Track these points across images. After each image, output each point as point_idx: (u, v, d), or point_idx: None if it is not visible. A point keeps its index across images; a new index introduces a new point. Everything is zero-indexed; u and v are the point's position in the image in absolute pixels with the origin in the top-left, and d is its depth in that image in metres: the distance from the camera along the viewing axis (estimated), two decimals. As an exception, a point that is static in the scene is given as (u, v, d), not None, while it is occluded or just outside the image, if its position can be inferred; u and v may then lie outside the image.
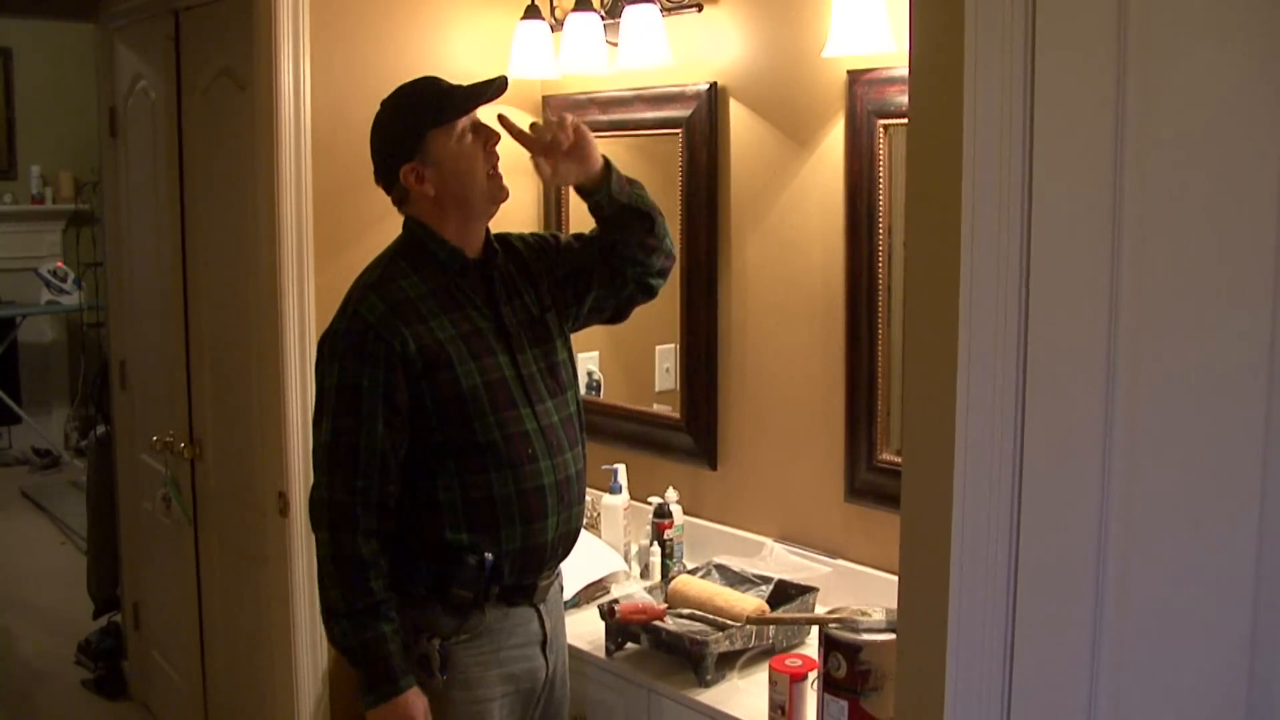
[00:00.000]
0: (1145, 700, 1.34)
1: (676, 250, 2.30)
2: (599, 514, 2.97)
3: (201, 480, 3.38)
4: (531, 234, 2.33)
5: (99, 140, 3.98)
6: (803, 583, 2.51)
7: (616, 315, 2.33)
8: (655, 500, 2.85)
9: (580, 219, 3.13)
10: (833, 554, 2.62)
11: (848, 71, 2.49)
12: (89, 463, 4.28)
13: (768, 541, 2.73)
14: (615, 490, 2.94)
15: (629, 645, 2.45)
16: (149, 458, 3.66)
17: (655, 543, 2.82)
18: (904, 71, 1.85)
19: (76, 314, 7.23)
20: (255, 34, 2.77)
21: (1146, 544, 1.31)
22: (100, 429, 4.17)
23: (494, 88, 2.11)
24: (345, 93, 2.83)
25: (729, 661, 2.34)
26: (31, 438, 7.32)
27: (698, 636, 2.31)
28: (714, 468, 2.89)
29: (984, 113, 1.24)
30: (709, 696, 2.26)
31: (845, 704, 2.02)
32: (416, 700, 2.00)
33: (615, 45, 2.87)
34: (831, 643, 2.05)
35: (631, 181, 2.19)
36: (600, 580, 2.74)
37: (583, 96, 3.12)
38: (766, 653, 2.34)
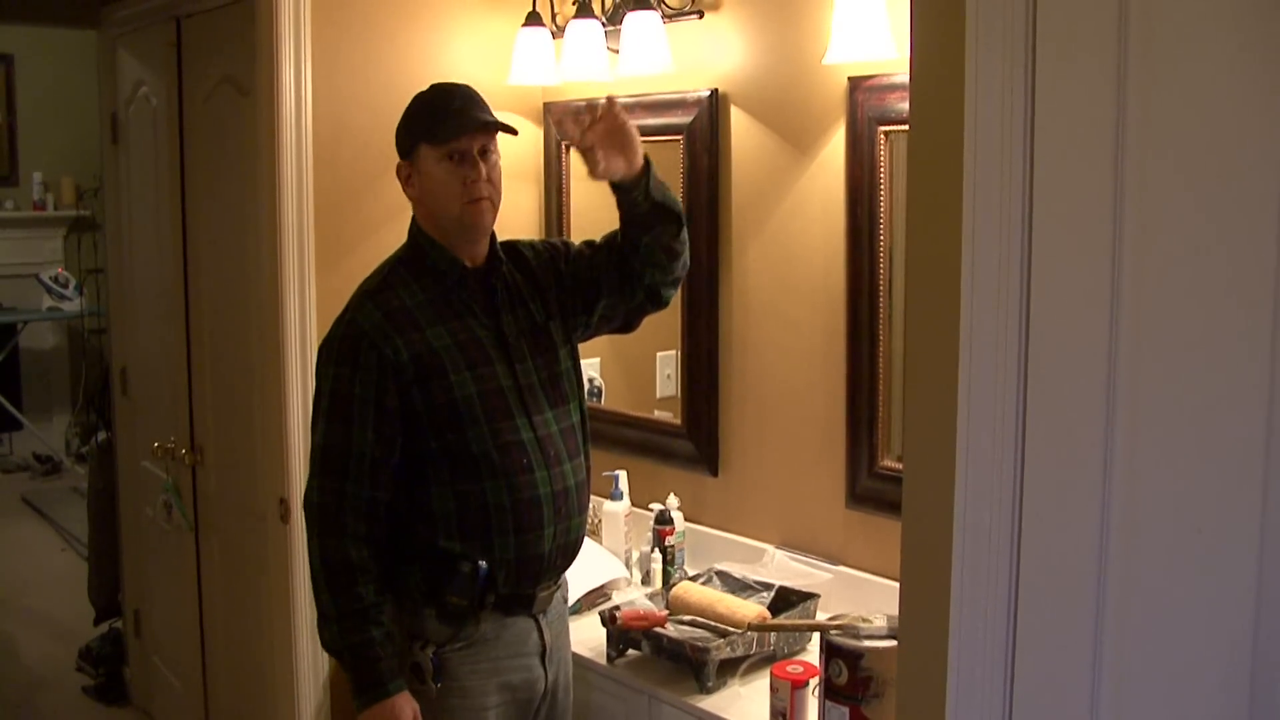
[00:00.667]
0: (1147, 708, 1.34)
1: None
2: (600, 520, 2.96)
3: (203, 486, 3.38)
4: (541, 241, 2.32)
5: (100, 146, 3.98)
6: (804, 589, 2.51)
7: (626, 324, 2.30)
8: (656, 507, 2.85)
9: (581, 222, 3.14)
10: (834, 560, 2.62)
11: (849, 78, 2.49)
12: (90, 469, 4.28)
13: (769, 548, 2.73)
14: (616, 497, 2.94)
15: (630, 652, 2.45)
16: (150, 464, 3.66)
17: (656, 549, 2.82)
18: (905, 78, 1.84)
19: (78, 320, 7.23)
20: (257, 41, 2.78)
21: (1148, 550, 1.31)
22: (101, 435, 4.18)
23: (493, 128, 2.09)
24: (347, 100, 2.83)
25: (730, 668, 2.34)
26: (33, 444, 7.32)
27: (699, 643, 2.31)
28: (715, 474, 2.89)
29: (985, 119, 1.25)
30: (710, 703, 2.26)
31: (846, 711, 2.02)
32: (405, 705, 2.00)
33: (616, 52, 2.87)
34: (833, 649, 2.05)
35: (662, 181, 2.16)
36: (601, 587, 2.74)
37: (584, 103, 3.12)
38: (768, 659, 2.34)
